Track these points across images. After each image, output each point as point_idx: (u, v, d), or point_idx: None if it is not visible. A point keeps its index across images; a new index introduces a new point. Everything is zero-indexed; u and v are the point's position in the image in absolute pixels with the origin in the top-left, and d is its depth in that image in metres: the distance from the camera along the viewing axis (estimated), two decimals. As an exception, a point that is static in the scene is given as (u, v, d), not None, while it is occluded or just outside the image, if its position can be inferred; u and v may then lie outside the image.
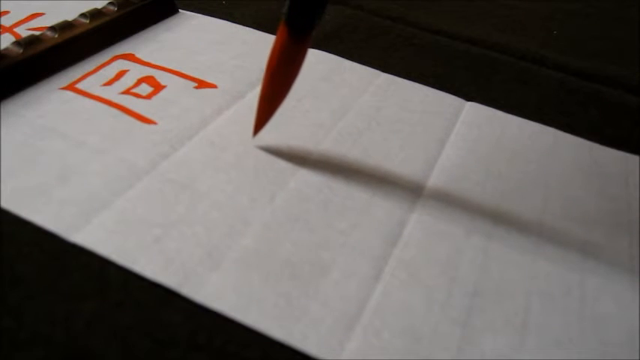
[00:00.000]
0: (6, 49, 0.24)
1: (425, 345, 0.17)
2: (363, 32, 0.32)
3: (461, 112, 0.26)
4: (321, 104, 0.26)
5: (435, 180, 0.22)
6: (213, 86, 0.26)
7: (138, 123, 0.23)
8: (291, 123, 0.24)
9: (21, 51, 0.24)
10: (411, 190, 0.22)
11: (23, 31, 0.27)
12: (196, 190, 0.20)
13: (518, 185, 0.23)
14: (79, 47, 0.26)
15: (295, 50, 0.21)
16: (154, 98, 0.24)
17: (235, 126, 0.23)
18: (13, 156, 0.20)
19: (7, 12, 0.29)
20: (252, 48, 0.29)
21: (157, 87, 0.25)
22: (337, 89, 0.27)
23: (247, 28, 0.30)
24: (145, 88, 0.25)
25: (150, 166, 0.21)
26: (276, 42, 0.21)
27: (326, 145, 0.23)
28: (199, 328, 0.16)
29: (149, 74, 0.26)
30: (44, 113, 0.22)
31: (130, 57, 0.27)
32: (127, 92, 0.24)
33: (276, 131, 0.23)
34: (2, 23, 0.28)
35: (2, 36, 0.27)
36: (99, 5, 0.28)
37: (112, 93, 0.24)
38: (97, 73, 0.25)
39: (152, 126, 0.23)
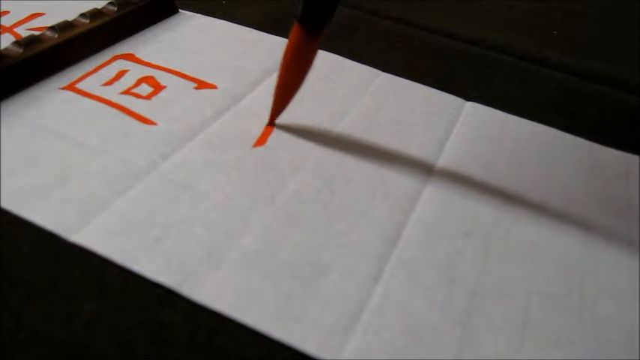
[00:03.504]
0: (6, 49, 0.24)
1: (425, 345, 0.17)
2: (363, 32, 0.32)
3: (461, 112, 0.26)
4: (321, 104, 0.26)
5: (434, 180, 0.22)
6: (213, 87, 0.26)
7: (138, 123, 0.23)
8: (291, 124, 0.24)
9: (21, 51, 0.24)
10: (410, 190, 0.22)
11: (23, 31, 0.27)
12: (196, 190, 0.20)
13: (518, 185, 0.23)
14: (79, 47, 0.26)
15: (308, 46, 0.22)
16: (154, 98, 0.24)
17: (235, 127, 0.23)
18: (13, 156, 0.20)
19: (7, 12, 0.29)
20: (252, 48, 0.29)
21: (157, 87, 0.25)
22: (337, 89, 0.27)
23: (247, 28, 0.30)
24: (145, 89, 0.25)
25: (150, 166, 0.21)
26: (291, 39, 0.22)
27: (326, 145, 0.23)
28: (199, 328, 0.16)
29: (149, 74, 0.26)
30: (44, 113, 0.22)
31: (130, 57, 0.27)
32: (127, 92, 0.24)
33: (276, 132, 0.23)
34: (2, 23, 0.28)
35: (2, 36, 0.27)
36: (99, 5, 0.28)
37: (112, 93, 0.24)
38: (97, 73, 0.25)
39: (152, 126, 0.23)
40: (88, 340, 0.15)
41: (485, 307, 0.18)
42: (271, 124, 0.24)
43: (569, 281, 0.19)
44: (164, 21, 0.30)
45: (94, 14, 0.27)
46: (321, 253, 0.19)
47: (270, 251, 0.19)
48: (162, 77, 0.26)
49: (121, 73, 0.25)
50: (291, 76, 0.23)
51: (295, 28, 0.21)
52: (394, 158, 0.23)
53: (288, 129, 0.24)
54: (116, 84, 0.25)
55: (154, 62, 0.26)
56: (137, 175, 0.20)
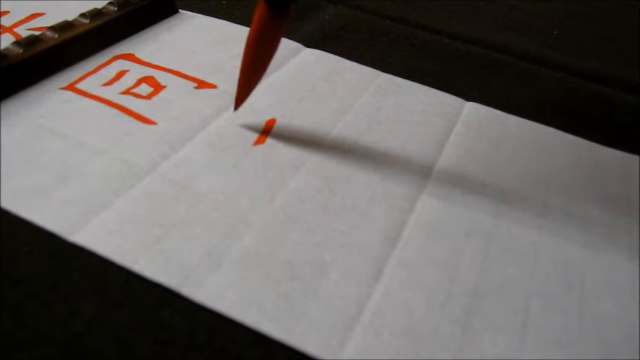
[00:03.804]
0: (6, 49, 0.24)
1: (425, 345, 0.17)
2: (363, 32, 0.32)
3: (461, 112, 0.26)
4: (321, 104, 0.26)
5: (434, 180, 0.22)
6: (213, 86, 0.26)
7: (138, 123, 0.23)
8: (290, 124, 0.24)
9: (21, 51, 0.24)
10: (410, 190, 0.22)
11: (23, 31, 0.27)
12: (196, 190, 0.20)
13: (518, 185, 0.23)
14: (79, 47, 0.26)
15: (274, 25, 0.21)
16: (154, 98, 0.24)
17: (235, 126, 0.23)
18: (12, 156, 0.20)
19: (7, 12, 0.29)
20: (252, 48, 0.29)
21: (157, 87, 0.25)
22: (337, 89, 0.27)
23: (247, 28, 0.30)
24: (145, 88, 0.25)
25: (150, 166, 0.21)
26: (255, 16, 0.21)
27: (326, 145, 0.23)
28: (199, 328, 0.16)
29: (149, 74, 0.26)
30: (44, 113, 0.22)
31: (130, 57, 0.27)
32: (127, 92, 0.24)
33: (276, 132, 0.23)
34: (2, 23, 0.28)
35: (2, 36, 0.27)
36: (99, 5, 0.28)
37: (112, 93, 0.24)
38: (97, 73, 0.25)
39: (152, 126, 0.23)
40: (87, 340, 0.15)
41: (485, 307, 0.18)
42: (236, 109, 0.23)
43: (569, 281, 0.19)
44: (164, 21, 0.30)
45: (94, 14, 0.27)
46: (321, 253, 0.19)
47: (270, 251, 0.19)
48: (162, 77, 0.26)
49: (121, 73, 0.25)
50: (255, 59, 0.22)
51: (260, 7, 0.21)
52: (394, 158, 0.23)
53: (288, 128, 0.24)
54: (116, 84, 0.25)
55: (154, 62, 0.26)
56: (137, 175, 0.20)
